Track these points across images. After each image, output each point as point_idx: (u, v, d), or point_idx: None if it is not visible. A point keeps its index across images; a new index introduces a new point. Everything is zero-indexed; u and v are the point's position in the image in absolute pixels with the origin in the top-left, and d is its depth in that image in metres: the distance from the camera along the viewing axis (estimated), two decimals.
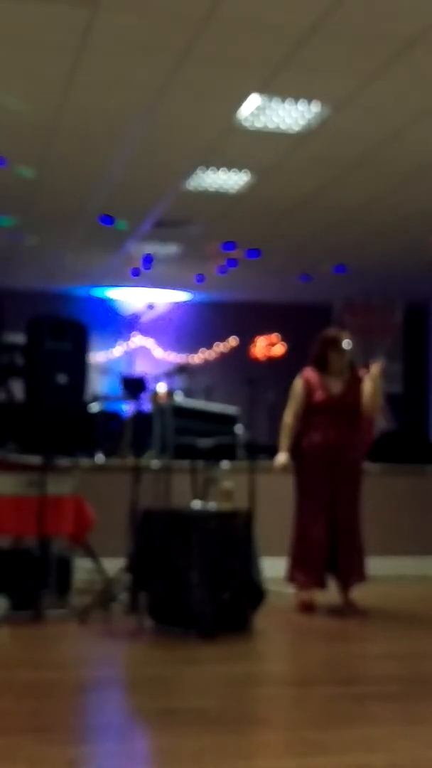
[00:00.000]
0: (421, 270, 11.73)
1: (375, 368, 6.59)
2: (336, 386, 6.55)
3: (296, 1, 5.30)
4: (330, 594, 6.51)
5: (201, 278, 12.36)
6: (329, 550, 6.45)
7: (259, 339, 14.31)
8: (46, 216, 9.70)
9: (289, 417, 6.57)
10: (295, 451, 6.55)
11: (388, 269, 11.85)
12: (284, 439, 6.56)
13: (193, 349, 14.25)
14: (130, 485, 6.23)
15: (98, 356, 13.08)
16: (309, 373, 6.60)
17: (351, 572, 6.48)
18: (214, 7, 5.35)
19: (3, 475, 6.27)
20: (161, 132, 7.28)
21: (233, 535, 5.82)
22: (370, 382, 6.55)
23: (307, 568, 6.46)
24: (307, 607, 6.41)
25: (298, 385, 6.61)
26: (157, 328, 14.20)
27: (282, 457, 6.52)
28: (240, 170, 8.22)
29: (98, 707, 4.36)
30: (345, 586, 6.48)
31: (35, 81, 6.38)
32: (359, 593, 6.54)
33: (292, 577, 6.53)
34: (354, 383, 6.57)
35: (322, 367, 6.59)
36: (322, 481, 6.45)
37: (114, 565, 6.28)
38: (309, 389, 6.55)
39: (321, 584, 6.48)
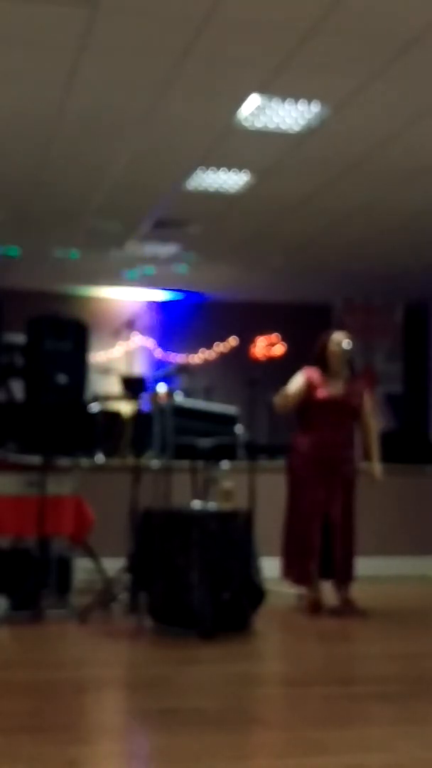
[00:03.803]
0: (421, 270, 11.73)
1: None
2: (337, 386, 6.56)
3: (296, 1, 5.29)
4: (330, 594, 6.51)
5: None
6: (322, 551, 6.45)
7: (259, 339, 14.30)
8: (46, 216, 9.70)
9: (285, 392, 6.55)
10: (288, 449, 6.56)
11: (388, 269, 11.84)
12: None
13: (193, 349, 14.24)
14: (130, 485, 6.23)
15: (98, 356, 13.07)
16: (310, 371, 6.60)
17: (346, 572, 6.47)
18: (214, 7, 5.35)
19: (3, 475, 6.27)
20: (161, 132, 7.28)
21: (233, 535, 5.82)
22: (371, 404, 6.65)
23: (302, 564, 6.43)
24: (315, 607, 6.39)
25: (299, 378, 6.59)
26: (157, 328, 14.20)
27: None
28: (240, 170, 8.22)
29: (98, 707, 4.36)
30: (341, 586, 6.48)
31: (35, 81, 6.38)
32: (358, 593, 6.54)
33: (287, 574, 6.51)
34: (354, 384, 6.59)
35: (322, 368, 6.59)
36: (317, 480, 6.44)
37: (114, 565, 6.28)
38: (311, 385, 6.55)
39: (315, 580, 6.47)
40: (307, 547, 6.43)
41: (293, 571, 6.47)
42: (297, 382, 6.56)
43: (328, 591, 6.49)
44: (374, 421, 6.80)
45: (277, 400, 6.56)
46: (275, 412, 6.69)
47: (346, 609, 6.42)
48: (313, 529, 6.42)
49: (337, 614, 6.38)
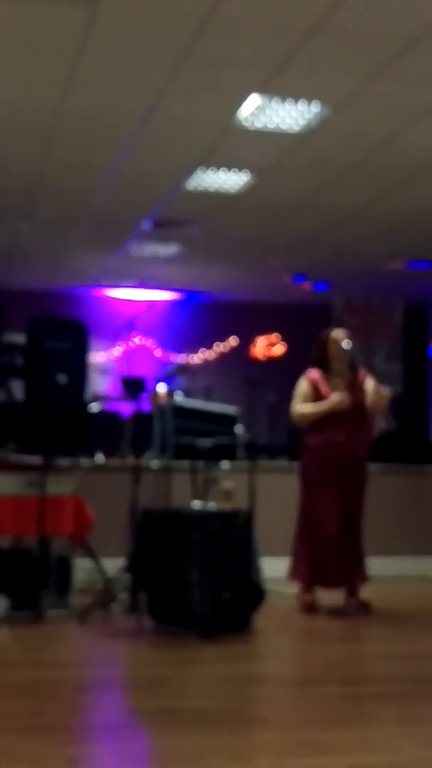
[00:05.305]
0: (421, 270, 11.73)
1: (382, 390, 6.51)
2: (340, 386, 6.53)
3: (296, 1, 5.29)
4: (331, 594, 6.51)
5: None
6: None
7: (259, 339, 14.31)
8: (45, 215, 9.70)
9: (300, 404, 6.52)
10: (300, 451, 6.54)
11: (387, 269, 11.85)
12: (311, 405, 6.47)
13: (193, 349, 14.25)
14: (130, 485, 6.23)
15: (98, 356, 13.07)
16: (313, 373, 6.57)
17: (356, 573, 6.46)
18: (214, 7, 5.35)
19: (3, 475, 6.27)
20: (161, 132, 7.28)
21: (233, 535, 5.82)
22: (372, 382, 6.52)
23: (311, 564, 6.41)
24: (310, 608, 6.40)
25: (303, 384, 6.56)
26: (157, 328, 14.20)
27: (335, 395, 6.40)
28: (240, 170, 8.22)
29: (98, 707, 4.36)
30: (351, 588, 6.46)
31: (35, 81, 6.38)
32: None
33: (294, 574, 6.48)
34: (357, 383, 6.56)
35: (323, 367, 6.57)
36: (330, 480, 6.40)
37: (114, 565, 6.28)
38: (316, 388, 6.52)
39: (335, 583, 6.44)
40: (318, 549, 6.40)
41: (301, 571, 6.45)
42: (304, 391, 6.52)
43: (332, 592, 6.48)
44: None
45: (297, 418, 6.54)
46: (294, 424, 6.67)
47: (359, 609, 6.40)
48: (325, 531, 6.39)
49: (338, 614, 6.37)
